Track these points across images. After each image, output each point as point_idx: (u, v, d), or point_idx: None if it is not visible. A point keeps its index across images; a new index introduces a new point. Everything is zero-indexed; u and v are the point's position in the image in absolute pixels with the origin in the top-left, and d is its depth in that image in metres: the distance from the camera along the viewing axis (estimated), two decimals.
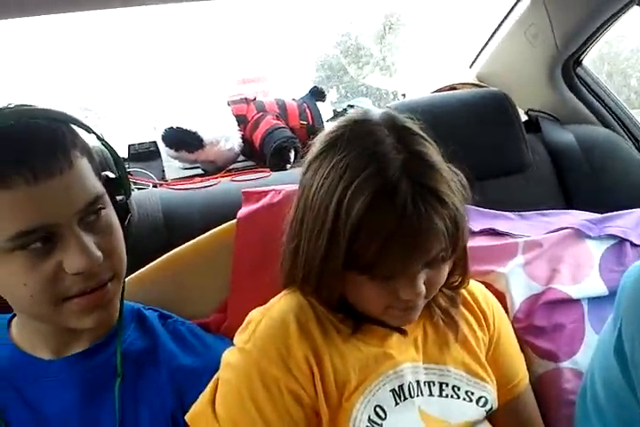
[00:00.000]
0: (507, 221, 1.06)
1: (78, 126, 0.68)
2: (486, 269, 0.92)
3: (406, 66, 2.49)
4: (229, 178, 1.33)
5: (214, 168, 1.53)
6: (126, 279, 0.74)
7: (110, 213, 0.69)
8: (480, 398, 0.74)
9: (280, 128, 1.51)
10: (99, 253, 0.63)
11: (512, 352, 0.81)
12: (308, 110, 1.60)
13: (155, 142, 1.51)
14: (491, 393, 0.75)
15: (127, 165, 1.45)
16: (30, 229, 0.60)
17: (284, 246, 0.73)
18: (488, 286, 0.88)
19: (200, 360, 0.76)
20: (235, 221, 0.95)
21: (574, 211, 1.10)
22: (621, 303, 0.69)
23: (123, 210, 0.72)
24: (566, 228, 0.99)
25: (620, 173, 1.32)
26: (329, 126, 0.73)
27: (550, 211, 1.10)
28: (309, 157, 0.71)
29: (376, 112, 0.71)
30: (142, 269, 0.92)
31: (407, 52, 2.52)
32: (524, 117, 1.46)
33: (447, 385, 0.72)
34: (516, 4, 1.41)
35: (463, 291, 0.79)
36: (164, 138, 1.46)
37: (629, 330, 0.66)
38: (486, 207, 1.06)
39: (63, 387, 0.70)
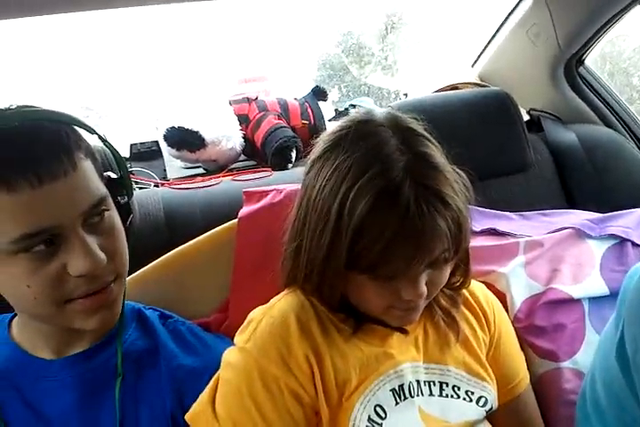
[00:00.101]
0: (508, 221, 1.06)
1: (81, 128, 0.67)
2: (487, 269, 0.92)
3: (408, 65, 2.48)
4: (231, 177, 1.32)
5: (216, 168, 1.53)
6: (127, 278, 0.73)
7: (113, 215, 0.68)
8: (480, 397, 0.74)
9: (282, 128, 1.51)
10: (102, 256, 0.63)
11: (512, 352, 0.81)
12: (309, 110, 1.59)
13: (156, 142, 1.52)
14: (491, 393, 0.75)
15: (129, 165, 1.46)
16: (34, 231, 0.60)
17: (286, 246, 0.73)
18: (489, 285, 0.88)
19: (200, 360, 0.76)
20: (236, 220, 0.95)
21: (576, 210, 1.10)
22: (624, 304, 0.69)
23: (125, 210, 0.71)
24: (567, 227, 0.98)
25: (623, 172, 1.31)
26: (332, 126, 0.72)
27: (552, 211, 1.10)
28: (312, 156, 0.71)
29: (379, 112, 0.70)
30: (143, 269, 0.92)
31: (409, 51, 2.51)
32: (526, 117, 1.45)
33: (447, 385, 0.73)
34: (518, 4, 1.41)
35: (464, 291, 0.79)
36: (166, 137, 1.46)
37: (632, 331, 0.65)
38: (488, 207, 1.06)
39: (63, 387, 0.70)
